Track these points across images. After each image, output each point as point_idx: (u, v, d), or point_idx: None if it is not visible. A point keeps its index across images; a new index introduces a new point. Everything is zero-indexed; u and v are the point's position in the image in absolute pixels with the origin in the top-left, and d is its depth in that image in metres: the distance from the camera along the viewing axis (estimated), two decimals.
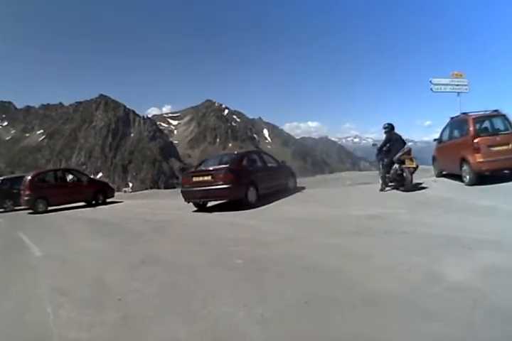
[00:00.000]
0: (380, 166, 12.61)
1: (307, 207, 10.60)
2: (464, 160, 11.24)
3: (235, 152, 15.01)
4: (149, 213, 12.94)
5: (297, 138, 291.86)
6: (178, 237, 8.28)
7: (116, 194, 22.28)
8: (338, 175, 23.12)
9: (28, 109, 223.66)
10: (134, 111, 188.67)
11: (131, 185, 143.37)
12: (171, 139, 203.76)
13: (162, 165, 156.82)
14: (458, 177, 11.92)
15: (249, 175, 12.10)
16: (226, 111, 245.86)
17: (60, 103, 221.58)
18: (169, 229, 9.44)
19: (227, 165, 11.86)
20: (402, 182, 11.59)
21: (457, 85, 18.08)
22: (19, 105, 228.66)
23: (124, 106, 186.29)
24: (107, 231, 10.21)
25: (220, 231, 8.58)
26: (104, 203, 17.88)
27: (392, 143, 12.06)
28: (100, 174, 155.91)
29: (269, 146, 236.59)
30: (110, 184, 20.36)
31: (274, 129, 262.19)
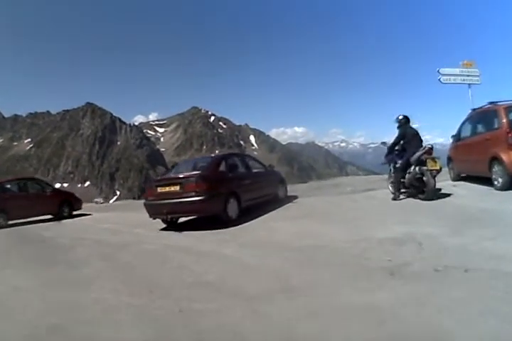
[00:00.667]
0: (391, 169, 10.56)
1: (304, 225, 8.01)
2: (495, 160, 8.97)
3: (212, 155, 13.68)
4: (110, 231, 10.16)
5: (284, 143, 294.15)
6: (124, 274, 5.61)
7: (87, 205, 20.42)
8: (336, 180, 20.05)
9: (16, 117, 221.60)
10: (120, 119, 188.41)
11: (118, 193, 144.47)
12: (157, 147, 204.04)
13: (149, 173, 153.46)
14: (482, 181, 9.94)
15: (229, 184, 9.61)
16: (212, 118, 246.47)
17: (48, 111, 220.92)
18: (120, 256, 6.86)
19: (199, 172, 9.32)
20: (421, 188, 9.35)
21: (468, 76, 16.13)
22: (6, 114, 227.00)
23: (111, 114, 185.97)
24: (43, 256, 7.66)
25: (182, 265, 5.92)
26: (71, 216, 15.49)
27: (408, 140, 9.73)
28: (88, 182, 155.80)
29: (255, 152, 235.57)
30: (77, 195, 17.52)
31: (260, 135, 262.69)
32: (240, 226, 8.49)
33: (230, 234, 7.78)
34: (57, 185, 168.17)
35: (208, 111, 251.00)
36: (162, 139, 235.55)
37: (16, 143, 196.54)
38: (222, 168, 9.78)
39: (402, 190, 10.11)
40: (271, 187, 11.52)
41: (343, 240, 6.13)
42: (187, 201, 8.68)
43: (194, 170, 9.79)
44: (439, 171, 9.21)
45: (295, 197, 12.35)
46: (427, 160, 9.05)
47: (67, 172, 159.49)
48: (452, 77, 15.90)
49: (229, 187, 9.46)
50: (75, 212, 16.19)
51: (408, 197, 9.90)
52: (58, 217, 15.49)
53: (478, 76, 16.30)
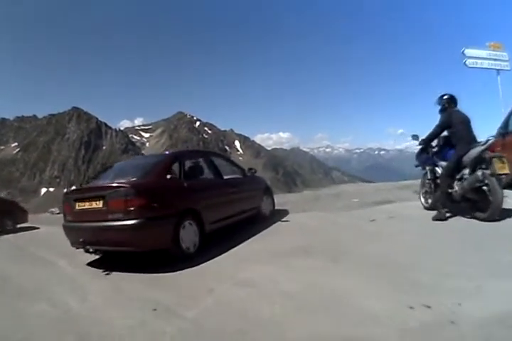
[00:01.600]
0: (428, 173, 7.73)
1: (305, 273, 4.57)
2: None
3: (166, 152, 9.62)
4: (30, 258, 7.21)
5: (269, 149, 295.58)
6: None
7: (42, 216, 18.62)
8: (336, 189, 17.96)
9: (3, 121, 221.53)
10: (106, 124, 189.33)
11: None
12: (143, 152, 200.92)
13: None
14: None
15: (184, 198, 6.24)
16: (198, 123, 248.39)
17: (34, 115, 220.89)
18: None
19: (134, 179, 5.87)
20: (481, 202, 6.40)
21: (495, 60, 13.86)
22: None
23: (97, 119, 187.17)
24: None
25: None
26: (14, 230, 12.52)
27: (457, 131, 6.73)
28: (74, 187, 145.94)
29: (240, 158, 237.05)
30: (21, 204, 14.96)
31: (245, 141, 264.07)
32: (197, 267, 5.29)
33: (175, 288, 4.46)
34: (44, 190, 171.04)
35: (193, 117, 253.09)
36: (147, 144, 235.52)
37: (2, 147, 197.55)
38: (174, 172, 6.39)
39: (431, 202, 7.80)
40: (251, 200, 8.27)
41: (409, 328, 2.86)
42: (112, 226, 5.42)
43: (128, 176, 6.06)
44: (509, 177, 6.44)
45: (285, 213, 9.25)
46: (493, 160, 6.21)
47: (53, 177, 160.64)
48: (479, 61, 13.65)
49: (184, 202, 6.10)
50: (22, 225, 13.46)
51: (455, 214, 6.89)
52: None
53: (507, 61, 14.14)
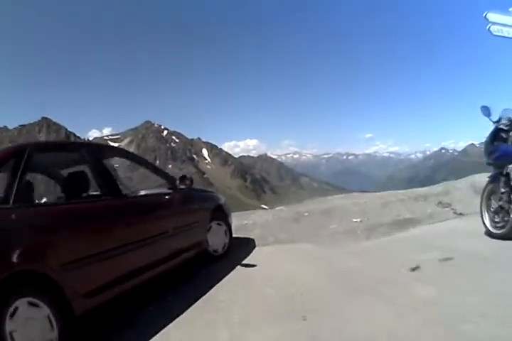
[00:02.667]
0: (503, 175, 5.14)
1: None
2: None
3: None
4: None
5: (236, 156, 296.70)
6: None
7: None
8: (325, 202, 10.31)
9: None
10: (75, 134, 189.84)
11: None
12: (111, 162, 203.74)
13: None
14: None
15: (14, 250, 2.60)
16: (165, 132, 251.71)
17: (5, 126, 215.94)
18: None
19: None
20: None
21: None
22: None
23: (66, 129, 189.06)
24: None
25: None
26: None
27: None
28: (44, 199, 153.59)
29: (208, 166, 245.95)
30: None
31: (213, 149, 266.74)
32: None
33: None
34: None
35: (160, 126, 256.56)
36: None
37: None
38: None
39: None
40: (187, 234, 5.07)
41: None
42: None
43: None
44: None
45: (249, 247, 6.46)
46: None
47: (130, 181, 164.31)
48: (505, 29, 11.12)
49: (10, 259, 2.60)
50: None
51: None
52: None
53: None
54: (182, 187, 5.12)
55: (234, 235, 6.46)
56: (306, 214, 8.65)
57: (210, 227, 5.66)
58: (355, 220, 8.11)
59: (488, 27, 10.95)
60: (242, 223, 7.97)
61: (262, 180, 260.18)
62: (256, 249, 6.44)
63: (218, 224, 5.89)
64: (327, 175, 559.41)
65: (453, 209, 8.43)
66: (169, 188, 5.12)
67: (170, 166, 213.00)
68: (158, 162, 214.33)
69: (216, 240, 5.79)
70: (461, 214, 8.11)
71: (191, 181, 5.24)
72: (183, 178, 5.18)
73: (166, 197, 4.98)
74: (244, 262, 5.59)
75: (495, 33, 11.09)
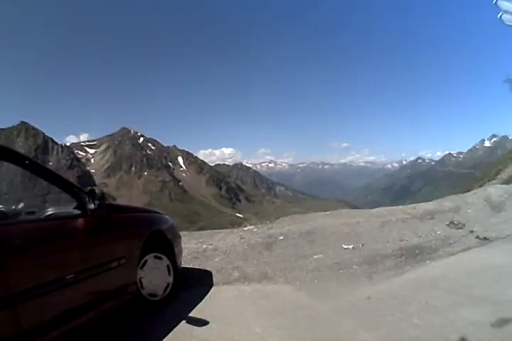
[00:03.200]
0: None
1: None
2: None
3: None
4: None
5: (212, 165, 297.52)
6: None
7: None
8: (306, 219, 8.72)
9: None
10: (52, 139, 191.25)
11: None
12: (88, 168, 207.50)
13: None
14: None
15: None
16: (141, 139, 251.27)
17: None
18: None
19: None
20: None
21: None
22: None
23: (43, 134, 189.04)
24: None
25: None
26: None
27: None
28: (22, 204, 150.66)
29: (184, 174, 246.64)
30: None
31: (188, 157, 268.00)
32: None
33: None
34: None
35: (137, 132, 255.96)
36: (92, 160, 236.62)
37: None
38: None
39: None
40: (104, 278, 3.56)
41: None
42: None
43: None
44: None
45: (201, 293, 4.91)
46: None
47: (2, 194, 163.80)
48: None
49: None
50: None
51: None
52: None
53: None
54: (93, 207, 3.58)
55: (187, 265, 5.73)
56: (282, 237, 7.15)
57: (145, 262, 4.24)
58: (346, 247, 6.59)
59: (499, 15, 8.65)
60: (200, 248, 6.76)
61: (237, 188, 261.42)
62: (213, 289, 5.07)
63: (157, 258, 4.47)
64: (302, 184, 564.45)
65: (471, 231, 6.95)
66: (77, 208, 3.59)
67: (145, 173, 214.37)
68: (133, 169, 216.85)
69: (154, 280, 4.40)
70: (485, 238, 6.44)
71: (102, 196, 3.63)
72: (91, 193, 3.56)
73: (65, 222, 3.44)
74: (192, 314, 4.12)
75: (507, 23, 9.08)
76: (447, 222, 7.65)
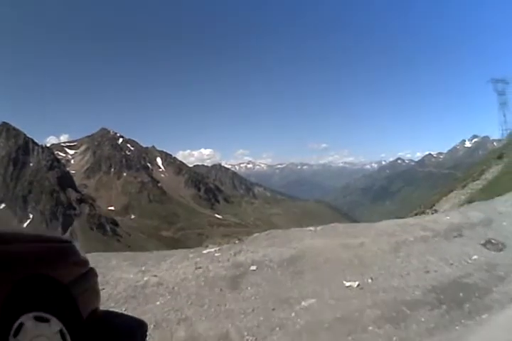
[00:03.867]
0: None
1: None
2: None
3: None
4: None
5: (190, 166, 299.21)
6: None
7: None
8: (289, 238, 6.88)
9: None
10: (33, 140, 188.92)
11: (31, 216, 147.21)
12: (68, 169, 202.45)
13: (60, 196, 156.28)
14: None
15: None
16: (121, 140, 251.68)
17: None
18: None
19: None
20: None
21: None
22: None
23: (24, 135, 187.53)
24: None
25: None
26: None
27: None
28: (3, 205, 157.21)
29: (162, 175, 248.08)
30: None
31: (167, 157, 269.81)
32: None
33: None
34: None
35: (116, 133, 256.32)
36: (72, 161, 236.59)
37: None
38: None
39: None
40: None
41: None
42: None
43: None
44: None
45: None
46: None
47: None
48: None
49: None
50: None
51: None
52: None
53: None
54: None
55: (117, 309, 4.39)
56: (254, 267, 5.45)
57: (20, 327, 2.59)
58: (349, 284, 4.86)
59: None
60: (140, 280, 5.15)
61: (215, 189, 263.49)
62: None
63: (41, 319, 2.79)
64: (281, 185, 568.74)
65: None
66: None
67: (124, 174, 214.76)
68: (113, 170, 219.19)
69: None
70: None
71: None
72: None
73: None
74: None
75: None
76: (482, 241, 6.15)
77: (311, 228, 7.96)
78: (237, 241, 7.64)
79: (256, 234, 7.99)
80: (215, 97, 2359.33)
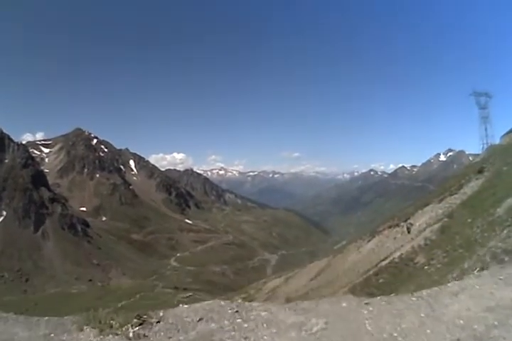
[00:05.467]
0: None
1: None
2: None
3: None
4: None
5: (163, 170, 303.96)
6: None
7: None
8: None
9: None
10: (9, 137, 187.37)
11: (5, 213, 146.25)
12: (42, 167, 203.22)
13: (33, 194, 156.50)
14: None
15: None
16: (95, 141, 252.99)
17: None
18: None
19: None
20: None
21: None
22: None
23: (1, 131, 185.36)
24: None
25: None
26: None
27: None
28: None
29: (134, 178, 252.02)
30: None
31: (140, 160, 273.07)
32: None
33: None
34: None
35: (90, 134, 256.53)
36: (47, 160, 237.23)
37: None
38: None
39: None
40: None
41: None
42: None
43: None
44: None
45: None
46: None
47: None
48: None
49: None
50: None
51: None
52: None
53: None
54: None
55: None
56: None
57: None
58: None
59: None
60: None
61: (186, 194, 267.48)
62: None
63: None
64: (252, 192, 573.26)
65: None
66: None
67: (97, 175, 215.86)
68: (86, 170, 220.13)
69: None
70: None
71: None
72: None
73: None
74: None
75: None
76: None
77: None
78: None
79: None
80: (189, 102, 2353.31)
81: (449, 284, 5.80)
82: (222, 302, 5.63)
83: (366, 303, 5.61)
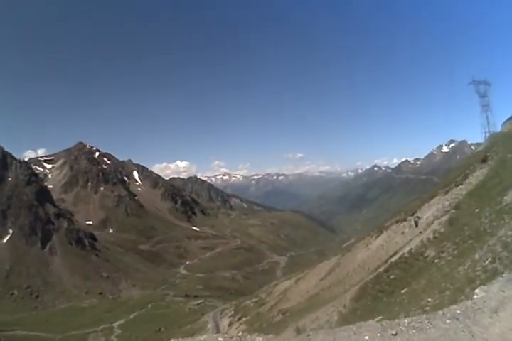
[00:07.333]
0: None
1: None
2: None
3: None
4: None
5: (167, 179, 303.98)
6: None
7: None
8: None
9: None
10: (11, 155, 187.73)
11: (11, 231, 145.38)
12: (46, 183, 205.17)
13: (38, 211, 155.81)
14: None
15: None
16: (97, 154, 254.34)
17: None
18: None
19: None
20: None
21: None
22: None
23: (2, 149, 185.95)
24: None
25: None
26: None
27: None
28: None
29: (139, 188, 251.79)
30: None
31: (143, 171, 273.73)
32: None
33: None
34: None
35: (92, 147, 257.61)
36: (50, 176, 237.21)
37: None
38: None
39: None
40: None
41: None
42: None
43: None
44: None
45: None
46: None
47: None
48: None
49: None
50: None
51: None
52: None
53: None
54: None
55: None
56: None
57: None
58: None
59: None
60: None
61: (192, 202, 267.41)
62: None
63: None
64: (257, 195, 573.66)
65: None
66: None
67: (102, 188, 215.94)
68: (90, 184, 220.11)
69: None
70: None
71: None
72: None
73: None
74: None
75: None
76: None
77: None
78: None
79: None
80: (190, 109, 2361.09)
81: (484, 299, 5.03)
82: (220, 338, 5.17)
83: (393, 334, 4.98)
